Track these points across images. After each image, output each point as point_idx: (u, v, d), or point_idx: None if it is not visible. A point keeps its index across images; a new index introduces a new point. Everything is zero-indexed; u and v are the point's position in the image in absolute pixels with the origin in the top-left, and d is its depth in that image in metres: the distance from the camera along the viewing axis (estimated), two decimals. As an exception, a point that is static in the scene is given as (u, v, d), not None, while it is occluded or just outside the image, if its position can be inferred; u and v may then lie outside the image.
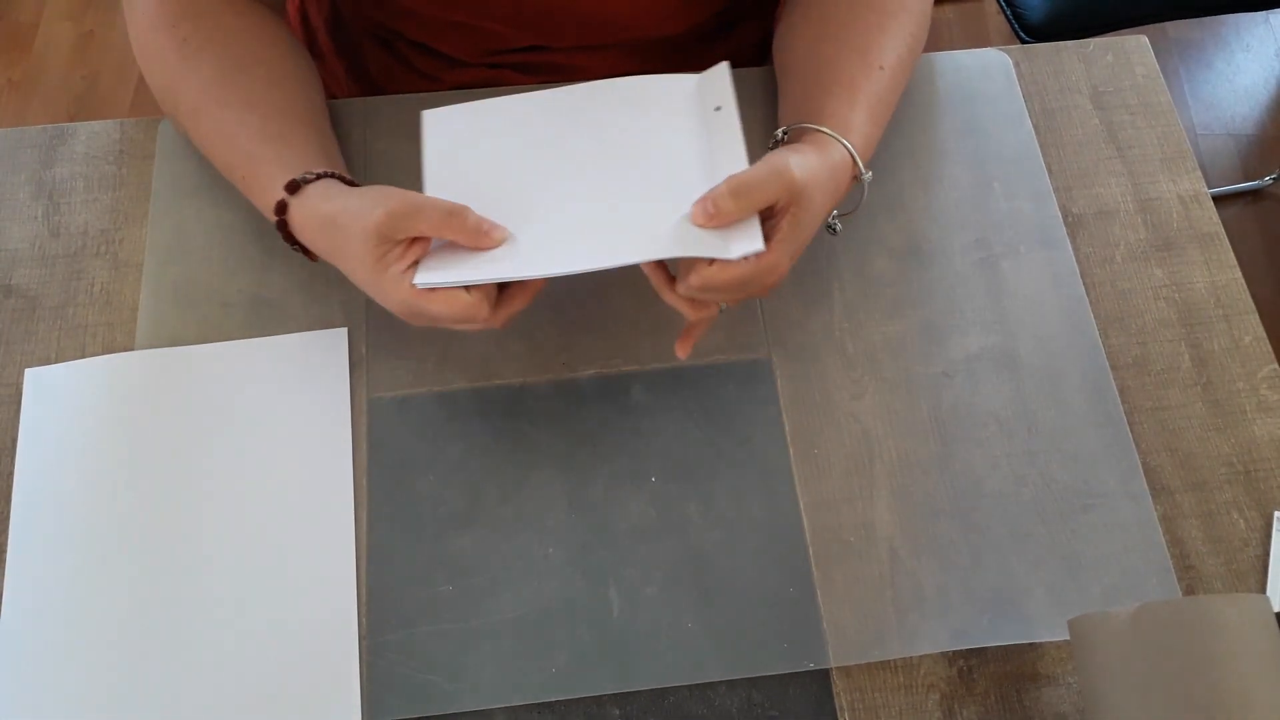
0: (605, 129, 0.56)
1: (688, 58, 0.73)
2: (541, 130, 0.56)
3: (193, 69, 0.59)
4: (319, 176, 0.55)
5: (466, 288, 0.51)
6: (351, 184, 0.56)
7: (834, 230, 0.63)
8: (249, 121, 0.58)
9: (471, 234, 0.51)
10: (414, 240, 0.51)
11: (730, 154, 0.52)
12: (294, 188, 0.54)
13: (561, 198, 0.54)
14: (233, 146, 0.58)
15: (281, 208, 0.55)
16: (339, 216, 0.52)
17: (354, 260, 0.52)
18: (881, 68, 0.60)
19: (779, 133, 0.59)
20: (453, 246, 0.52)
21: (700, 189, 0.51)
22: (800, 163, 0.52)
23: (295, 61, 0.62)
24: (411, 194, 0.52)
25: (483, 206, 0.52)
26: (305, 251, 0.57)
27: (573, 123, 0.56)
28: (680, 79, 0.56)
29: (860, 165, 0.57)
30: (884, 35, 0.61)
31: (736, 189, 0.49)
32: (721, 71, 0.55)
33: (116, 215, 0.64)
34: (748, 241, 0.49)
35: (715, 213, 0.49)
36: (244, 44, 0.60)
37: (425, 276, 0.51)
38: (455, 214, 0.51)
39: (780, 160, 0.51)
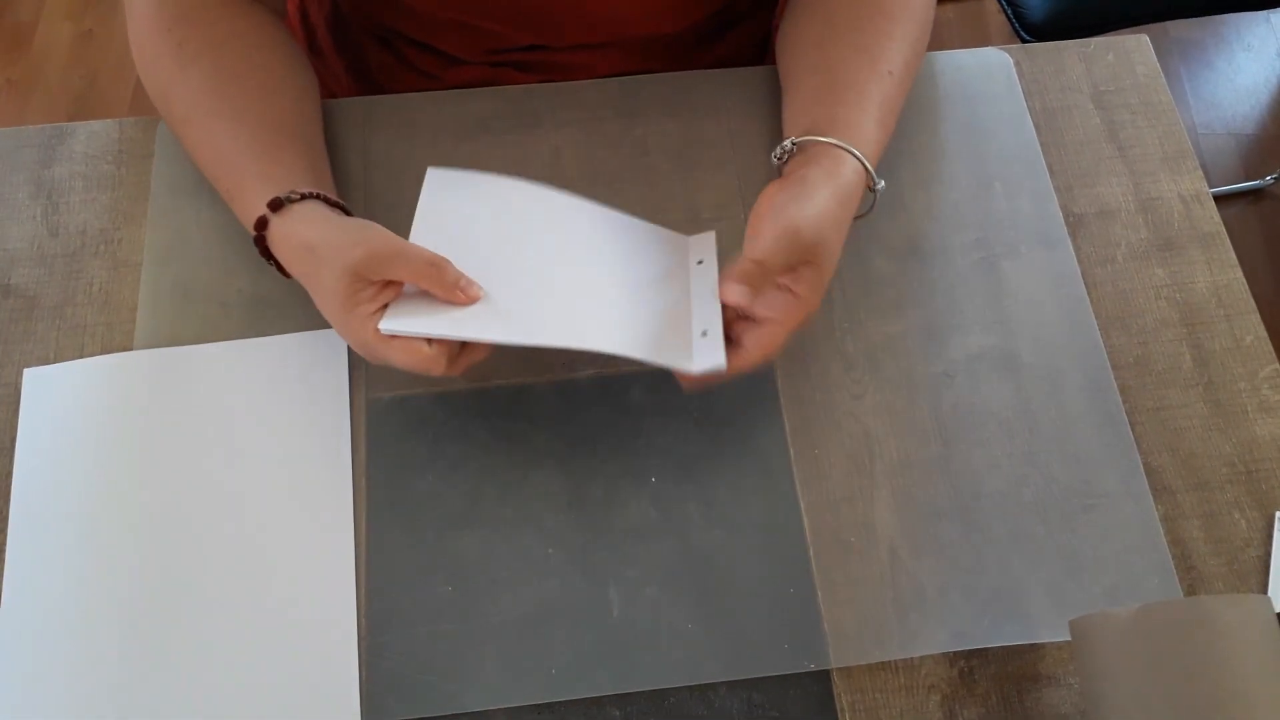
0: (597, 238, 0.57)
1: (687, 57, 0.73)
2: (538, 219, 0.57)
3: (186, 76, 0.59)
4: (304, 197, 0.55)
5: (429, 339, 0.51)
6: (336, 205, 0.56)
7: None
8: (238, 134, 0.57)
9: (448, 288, 0.51)
10: (388, 283, 0.51)
11: (705, 300, 0.54)
12: (277, 205, 0.54)
13: (541, 280, 0.54)
14: (220, 157, 0.58)
15: (262, 223, 0.55)
16: (319, 247, 0.52)
17: (326, 292, 0.52)
18: (890, 72, 0.60)
19: (788, 144, 0.58)
20: (425, 295, 0.52)
21: (675, 308, 0.54)
22: (810, 214, 0.52)
23: (291, 68, 0.62)
24: (394, 238, 0.52)
25: (462, 268, 0.52)
26: (279, 268, 0.57)
27: (569, 222, 0.57)
28: (678, 236, 0.59)
29: (873, 176, 0.57)
30: (890, 39, 0.61)
31: (752, 269, 0.51)
32: (709, 238, 0.57)
33: (115, 215, 0.64)
34: (711, 356, 0.52)
35: (751, 274, 0.51)
36: (239, 50, 0.60)
37: (391, 324, 0.51)
38: (435, 265, 0.51)
39: (789, 222, 0.52)
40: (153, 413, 0.57)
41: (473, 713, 0.51)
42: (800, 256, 0.52)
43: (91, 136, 0.67)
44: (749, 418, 0.58)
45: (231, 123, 0.58)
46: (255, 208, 0.55)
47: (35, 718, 0.50)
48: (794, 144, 0.58)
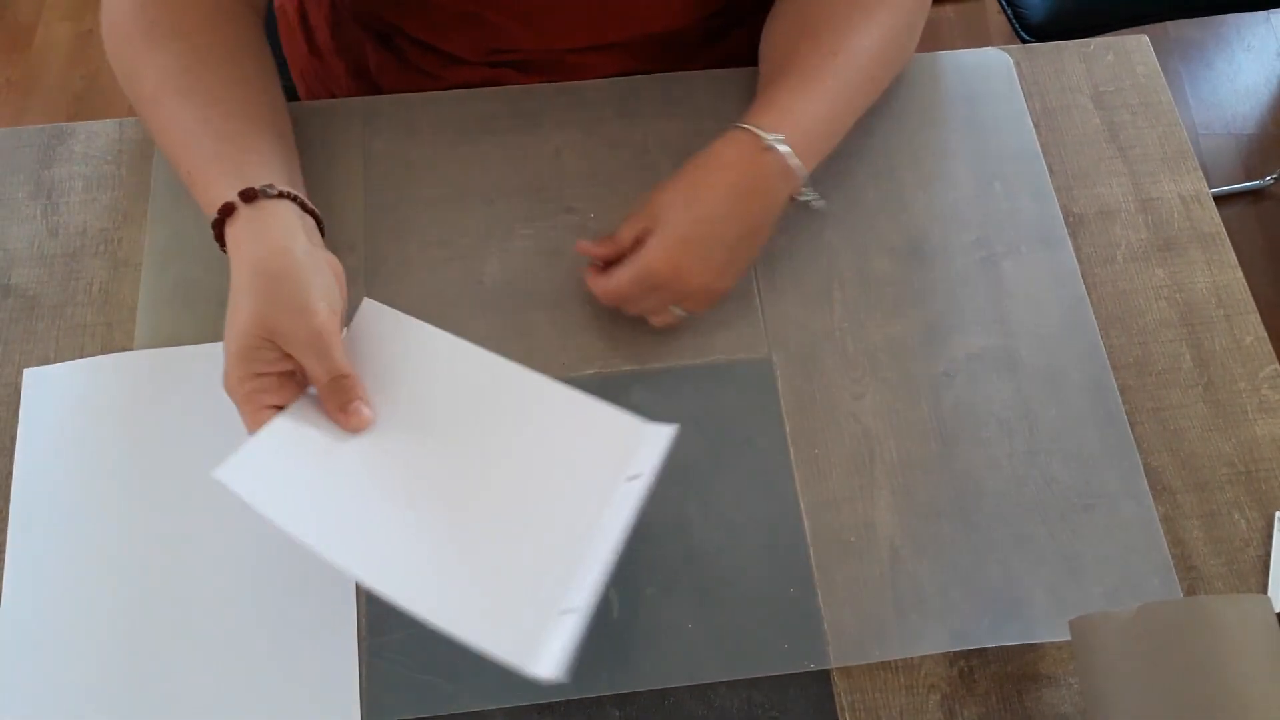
0: (521, 422, 0.52)
1: (690, 58, 0.73)
2: (461, 386, 0.52)
3: (156, 55, 0.58)
4: (280, 195, 0.53)
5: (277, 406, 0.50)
6: (309, 211, 0.55)
7: (810, 205, 0.61)
8: (209, 116, 0.56)
9: (337, 406, 0.50)
10: (289, 356, 0.50)
11: (610, 533, 0.48)
12: (250, 196, 0.52)
13: (424, 483, 0.50)
14: (186, 138, 0.56)
15: (228, 209, 0.52)
16: (261, 281, 0.50)
17: (237, 325, 0.50)
18: (847, 59, 0.59)
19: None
20: (278, 460, 0.48)
21: (549, 563, 0.47)
22: (658, 189, 0.57)
23: (261, 64, 0.61)
24: (329, 330, 0.49)
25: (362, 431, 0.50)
26: (223, 247, 0.55)
27: (495, 397, 0.52)
28: (633, 427, 0.51)
29: (765, 137, 0.55)
30: (857, 26, 0.60)
31: (609, 248, 0.58)
32: (665, 434, 0.51)
33: (115, 215, 0.64)
34: (543, 660, 0.44)
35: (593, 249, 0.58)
36: (210, 34, 0.59)
37: (227, 475, 0.47)
38: (338, 384, 0.50)
39: (637, 206, 0.58)
40: (152, 413, 0.57)
41: (472, 713, 0.51)
42: (645, 227, 0.56)
43: (91, 136, 0.67)
44: (749, 418, 0.58)
45: (201, 105, 0.56)
46: (221, 191, 0.53)
47: (35, 717, 0.50)
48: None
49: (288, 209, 0.53)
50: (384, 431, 0.51)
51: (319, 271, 0.51)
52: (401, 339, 0.54)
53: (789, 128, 0.56)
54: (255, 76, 0.59)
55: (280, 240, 0.51)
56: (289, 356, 0.50)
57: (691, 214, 0.56)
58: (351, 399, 0.50)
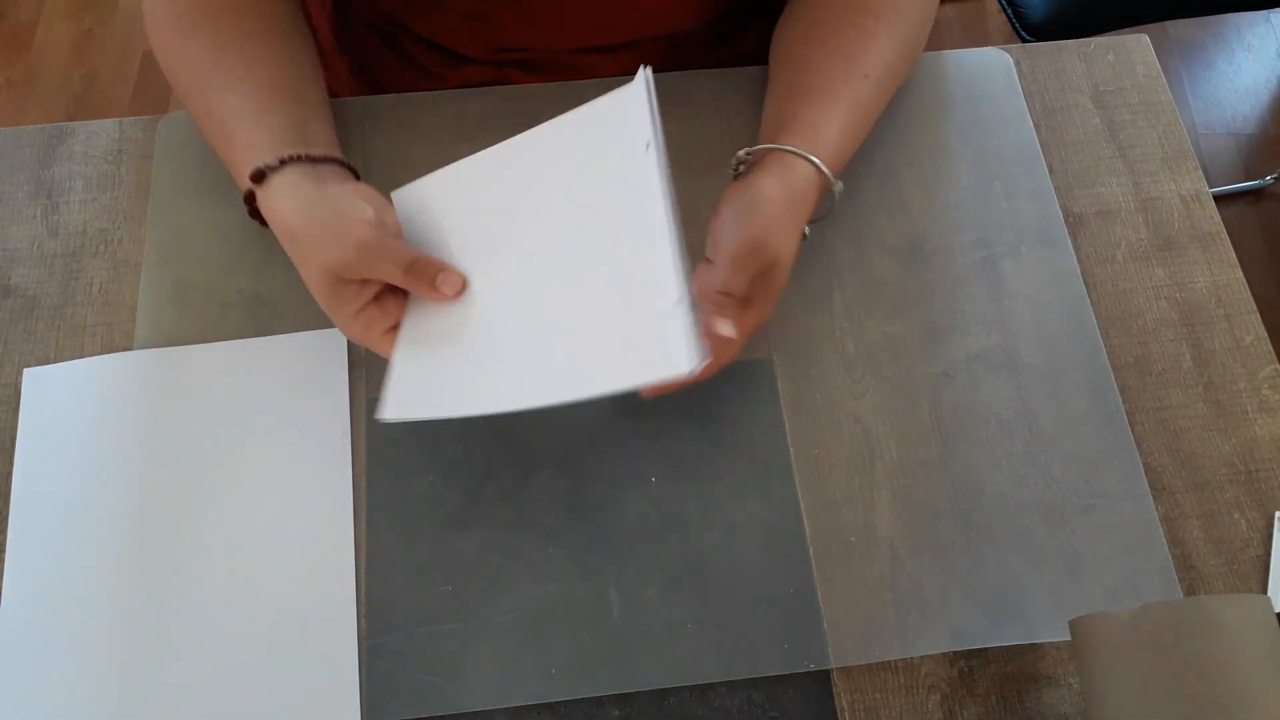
0: (552, 185, 0.54)
1: (696, 59, 0.73)
2: (492, 193, 0.56)
3: (184, 48, 0.59)
4: (284, 162, 0.54)
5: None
6: (323, 160, 0.55)
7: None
8: (230, 104, 0.57)
9: (427, 287, 0.53)
10: (368, 281, 0.52)
11: (658, 210, 0.49)
12: (259, 177, 0.54)
13: (519, 280, 0.53)
14: (217, 128, 0.58)
15: (250, 197, 0.55)
16: (299, 236, 0.52)
17: (310, 284, 0.53)
18: (866, 75, 0.59)
19: (743, 154, 0.58)
20: (420, 357, 0.53)
21: (636, 257, 0.49)
22: (762, 231, 0.52)
23: (287, 32, 0.61)
24: (371, 233, 0.51)
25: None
26: None
27: (526, 181, 0.55)
28: (604, 103, 0.53)
29: (830, 178, 0.56)
30: (874, 39, 0.60)
31: (725, 303, 0.51)
32: (639, 90, 0.52)
33: (115, 215, 0.64)
34: (684, 355, 0.46)
35: (722, 305, 0.51)
36: (238, 20, 0.60)
37: (392, 411, 0.52)
38: (412, 268, 0.52)
39: (745, 244, 0.51)
40: (152, 413, 0.57)
41: (473, 713, 0.51)
42: (759, 273, 0.52)
43: (91, 136, 0.67)
44: (749, 418, 0.58)
45: (225, 93, 0.58)
46: (243, 179, 0.55)
47: (35, 718, 0.50)
48: (748, 153, 0.58)
49: (293, 172, 0.54)
50: (474, 274, 0.54)
51: (333, 199, 0.53)
52: (435, 196, 0.57)
53: (821, 148, 0.56)
54: (277, 48, 0.60)
55: (291, 202, 0.53)
56: (367, 282, 0.52)
57: (790, 261, 0.54)
58: (434, 274, 0.53)
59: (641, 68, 0.52)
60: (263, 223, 0.56)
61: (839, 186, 0.57)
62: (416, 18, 0.71)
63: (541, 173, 0.54)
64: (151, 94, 1.70)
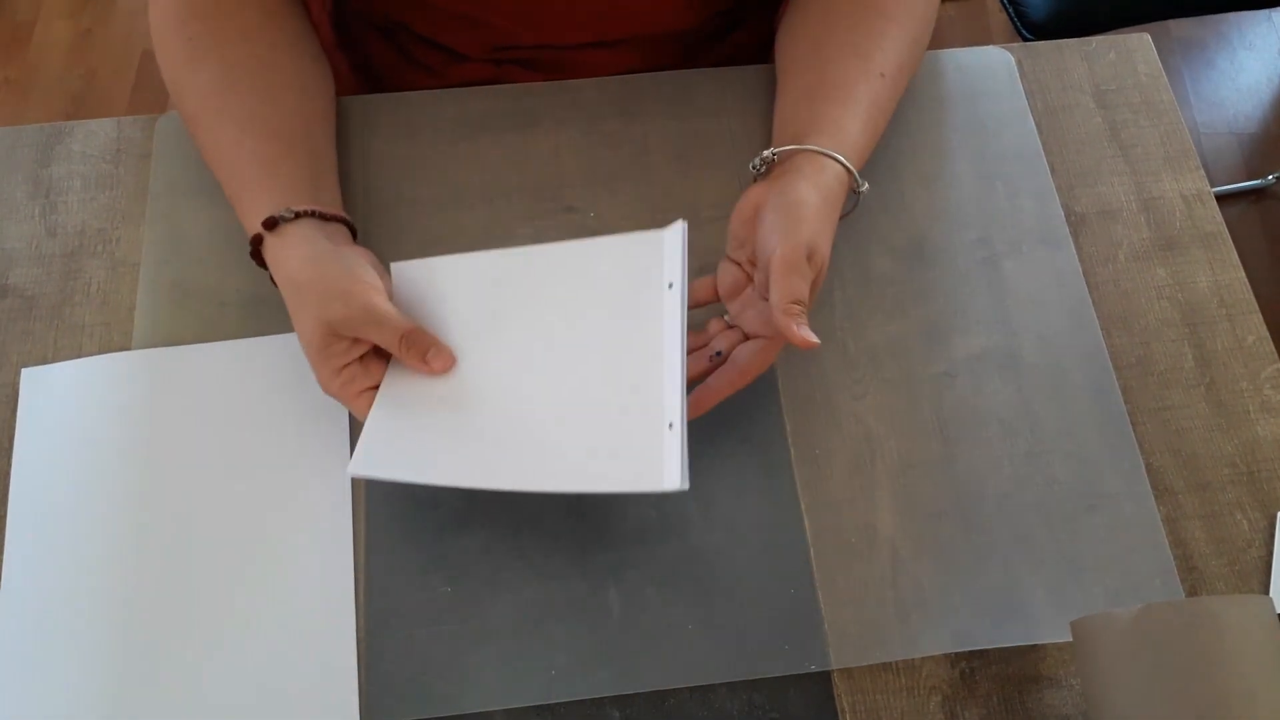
0: (564, 300, 0.55)
1: (693, 57, 0.73)
2: (500, 292, 0.56)
3: (194, 73, 0.59)
4: (299, 215, 0.55)
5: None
6: (334, 219, 0.56)
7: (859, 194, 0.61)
8: (241, 141, 0.58)
9: (417, 359, 0.53)
10: (360, 340, 0.53)
11: (672, 370, 0.50)
12: (272, 225, 0.55)
13: (505, 370, 0.54)
14: (223, 161, 0.58)
15: (258, 240, 0.56)
16: (304, 289, 0.53)
17: (303, 333, 0.54)
18: (882, 74, 0.60)
19: (768, 154, 0.57)
20: (395, 426, 0.53)
21: (641, 382, 0.50)
22: (813, 234, 0.52)
23: (301, 66, 0.62)
24: (374, 297, 0.53)
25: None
26: (273, 279, 0.57)
27: (532, 292, 0.55)
28: (645, 240, 0.53)
29: (857, 179, 0.57)
30: (886, 39, 0.60)
31: (800, 311, 0.50)
32: (677, 235, 0.52)
33: (113, 214, 0.64)
34: (668, 473, 0.47)
35: (798, 315, 0.50)
36: (250, 47, 0.60)
37: (359, 468, 0.52)
38: (407, 337, 0.53)
39: (799, 249, 0.51)
40: (151, 412, 0.57)
41: (472, 714, 0.51)
42: (813, 276, 0.52)
43: (89, 136, 0.67)
44: (749, 418, 0.58)
45: (234, 127, 0.58)
46: (252, 222, 0.55)
47: (33, 718, 0.50)
48: (774, 154, 0.57)
49: (306, 226, 0.55)
50: (465, 358, 0.55)
51: (345, 259, 0.54)
52: (437, 279, 0.57)
53: (848, 148, 0.57)
54: (290, 85, 0.60)
55: (303, 253, 0.54)
56: (357, 341, 0.53)
57: (828, 259, 0.54)
58: (426, 347, 0.54)
59: (679, 221, 0.52)
60: (261, 263, 0.57)
61: (865, 188, 0.58)
62: (413, 17, 0.71)
63: (555, 281, 0.55)
64: (150, 93, 1.69)
